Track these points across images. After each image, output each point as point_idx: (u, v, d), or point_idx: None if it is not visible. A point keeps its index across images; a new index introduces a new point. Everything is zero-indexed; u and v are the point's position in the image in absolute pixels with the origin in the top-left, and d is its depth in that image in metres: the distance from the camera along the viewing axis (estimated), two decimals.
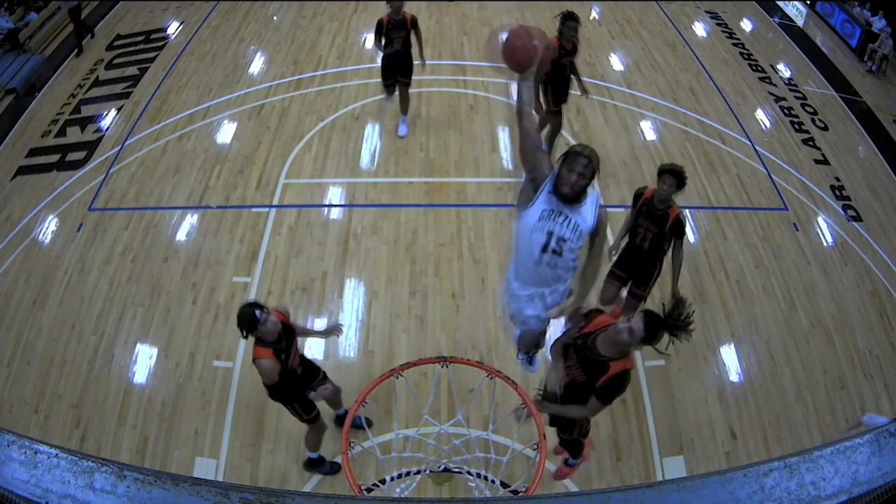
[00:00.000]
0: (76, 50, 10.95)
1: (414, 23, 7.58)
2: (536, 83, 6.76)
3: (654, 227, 5.10)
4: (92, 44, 11.21)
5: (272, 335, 3.98)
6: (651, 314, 3.22)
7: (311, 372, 4.61)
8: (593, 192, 3.19)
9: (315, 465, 4.99)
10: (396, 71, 7.91)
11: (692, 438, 5.42)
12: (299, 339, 4.42)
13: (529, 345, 3.96)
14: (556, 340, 3.81)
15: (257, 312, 3.88)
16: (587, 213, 3.15)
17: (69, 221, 7.44)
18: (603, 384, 3.45)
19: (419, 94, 9.34)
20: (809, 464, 1.00)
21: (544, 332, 3.86)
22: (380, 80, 8.20)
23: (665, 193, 4.93)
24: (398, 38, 7.61)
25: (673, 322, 3.15)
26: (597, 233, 3.24)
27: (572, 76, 7.16)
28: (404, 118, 8.52)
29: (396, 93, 8.21)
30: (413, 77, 8.01)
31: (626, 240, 5.42)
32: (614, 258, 5.53)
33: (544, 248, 3.17)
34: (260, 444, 5.30)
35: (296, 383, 4.34)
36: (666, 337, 3.18)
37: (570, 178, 3.03)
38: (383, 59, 7.85)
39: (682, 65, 10.42)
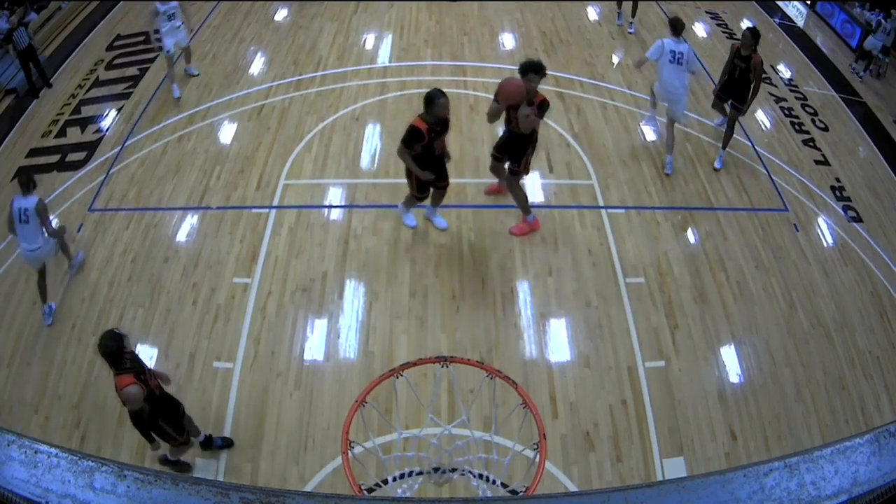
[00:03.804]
0: (34, 99, 9.68)
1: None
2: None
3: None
4: (92, 44, 11.21)
5: (130, 357, 4.36)
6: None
7: (171, 402, 4.78)
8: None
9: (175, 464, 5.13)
10: (436, 178, 6.39)
11: (692, 439, 5.42)
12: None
13: None
14: None
15: (116, 330, 4.32)
16: None
17: (69, 222, 7.43)
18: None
19: (419, 94, 9.32)
20: (809, 464, 1.00)
21: None
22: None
23: (532, 87, 6.00)
24: (441, 144, 6.17)
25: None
26: None
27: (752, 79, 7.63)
28: (435, 210, 7.13)
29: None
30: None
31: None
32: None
33: None
34: (260, 445, 5.30)
35: (159, 403, 4.57)
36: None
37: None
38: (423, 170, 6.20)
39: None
